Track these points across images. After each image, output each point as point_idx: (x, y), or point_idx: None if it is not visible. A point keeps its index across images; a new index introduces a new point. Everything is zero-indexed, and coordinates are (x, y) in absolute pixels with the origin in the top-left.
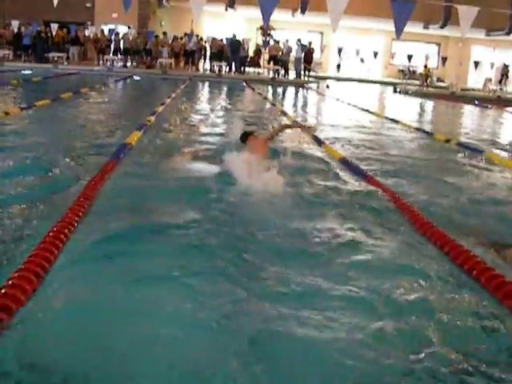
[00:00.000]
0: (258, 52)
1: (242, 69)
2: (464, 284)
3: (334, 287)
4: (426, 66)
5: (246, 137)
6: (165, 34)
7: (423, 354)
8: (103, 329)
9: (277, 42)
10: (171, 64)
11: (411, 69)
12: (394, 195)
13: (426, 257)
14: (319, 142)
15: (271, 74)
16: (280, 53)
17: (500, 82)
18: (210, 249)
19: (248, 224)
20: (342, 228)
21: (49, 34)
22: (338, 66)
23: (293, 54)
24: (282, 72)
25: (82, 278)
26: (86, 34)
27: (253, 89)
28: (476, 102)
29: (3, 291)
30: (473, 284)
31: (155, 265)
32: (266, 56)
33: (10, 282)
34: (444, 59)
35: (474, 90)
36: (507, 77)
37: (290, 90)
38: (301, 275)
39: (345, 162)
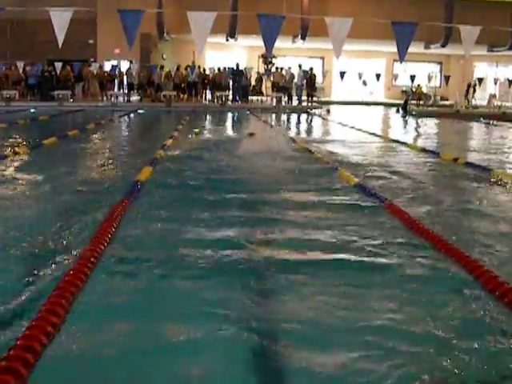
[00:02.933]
0: (259, 80)
1: (245, 98)
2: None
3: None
4: (418, 85)
5: None
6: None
7: None
8: None
9: (281, 69)
10: (174, 96)
11: (414, 89)
12: (410, 220)
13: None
14: (333, 166)
15: (274, 102)
16: (283, 80)
17: (467, 94)
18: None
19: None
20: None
21: (53, 73)
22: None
23: (294, 81)
24: (286, 99)
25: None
26: (90, 69)
27: (257, 117)
28: (481, 120)
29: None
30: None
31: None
32: (268, 84)
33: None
34: (447, 78)
35: (477, 107)
36: (475, 90)
37: (295, 117)
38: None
39: (360, 187)
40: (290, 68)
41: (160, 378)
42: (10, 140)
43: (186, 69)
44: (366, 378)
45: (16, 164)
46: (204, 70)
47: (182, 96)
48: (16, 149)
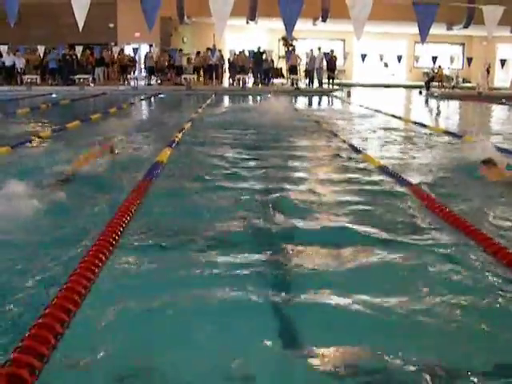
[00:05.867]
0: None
1: (266, 80)
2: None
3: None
4: (439, 67)
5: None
6: (181, 50)
7: None
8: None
9: (293, 51)
10: (194, 79)
11: (435, 71)
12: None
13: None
14: (356, 150)
15: (295, 84)
16: (298, 61)
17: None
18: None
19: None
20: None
21: (74, 57)
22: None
23: (316, 65)
24: (307, 81)
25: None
26: (111, 54)
27: (278, 99)
28: (503, 101)
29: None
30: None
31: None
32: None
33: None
34: (469, 59)
35: (497, 89)
36: (489, 72)
37: (316, 99)
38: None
39: (384, 170)
40: (311, 51)
41: None
42: (33, 124)
43: (206, 50)
44: None
45: (39, 147)
46: (221, 53)
47: (204, 79)
48: (40, 133)
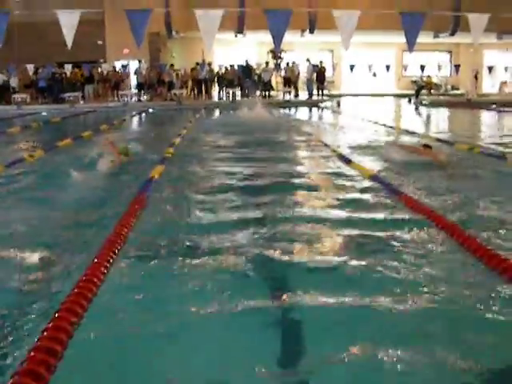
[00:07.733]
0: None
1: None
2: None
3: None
4: (428, 76)
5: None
6: (172, 65)
7: None
8: None
9: (292, 63)
10: (183, 94)
11: (424, 79)
12: (424, 209)
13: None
14: (346, 160)
15: (286, 97)
16: (296, 73)
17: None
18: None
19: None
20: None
21: (63, 75)
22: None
23: (304, 75)
24: (294, 93)
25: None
26: (100, 71)
27: (270, 112)
28: (493, 107)
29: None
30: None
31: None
32: (278, 79)
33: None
34: (457, 67)
35: (485, 95)
36: (477, 78)
37: (307, 111)
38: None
39: (374, 178)
40: (293, 62)
41: None
42: (25, 143)
43: (196, 65)
44: None
45: (33, 167)
46: (210, 67)
47: (193, 94)
48: (32, 152)
